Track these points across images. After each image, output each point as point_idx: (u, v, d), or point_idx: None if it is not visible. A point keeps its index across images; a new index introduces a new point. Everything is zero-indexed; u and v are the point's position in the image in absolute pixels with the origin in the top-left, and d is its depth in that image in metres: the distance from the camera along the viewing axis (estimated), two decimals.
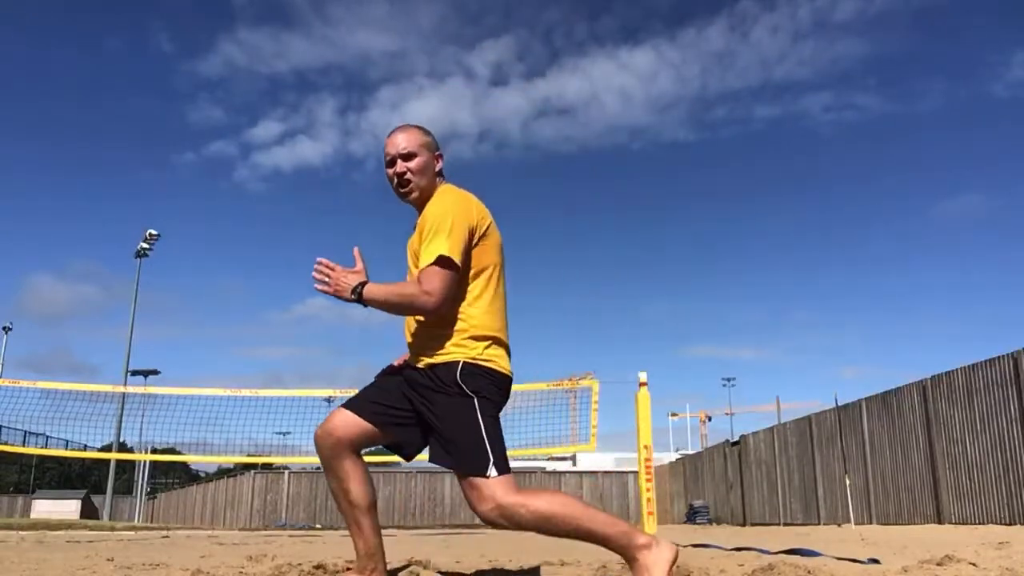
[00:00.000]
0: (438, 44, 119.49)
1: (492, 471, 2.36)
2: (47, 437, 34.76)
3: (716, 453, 23.89)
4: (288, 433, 17.48)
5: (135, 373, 37.71)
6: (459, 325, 2.52)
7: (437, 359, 2.49)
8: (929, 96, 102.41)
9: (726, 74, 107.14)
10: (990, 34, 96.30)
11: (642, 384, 12.13)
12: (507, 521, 2.34)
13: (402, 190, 2.68)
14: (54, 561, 4.39)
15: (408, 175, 2.65)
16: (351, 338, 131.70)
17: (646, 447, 12.03)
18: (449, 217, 2.49)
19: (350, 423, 2.60)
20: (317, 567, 3.20)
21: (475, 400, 2.44)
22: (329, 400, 17.71)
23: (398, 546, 6.91)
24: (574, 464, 42.81)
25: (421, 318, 2.55)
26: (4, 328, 48.19)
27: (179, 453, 28.78)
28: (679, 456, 32.80)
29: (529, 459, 35.63)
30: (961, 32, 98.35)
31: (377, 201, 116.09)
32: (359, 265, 2.59)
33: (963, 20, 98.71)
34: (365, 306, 2.48)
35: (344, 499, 2.62)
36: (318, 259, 2.52)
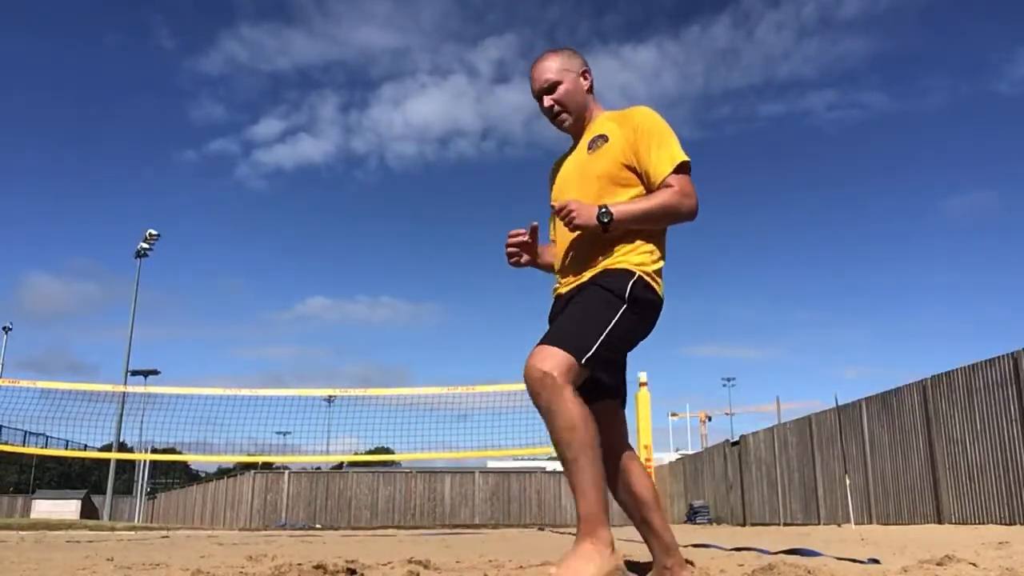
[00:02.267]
0: (440, 41, 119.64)
1: (573, 351, 2.17)
2: (47, 437, 34.78)
3: (716, 453, 23.89)
4: (288, 433, 17.50)
5: (135, 373, 37.69)
6: (639, 241, 2.40)
7: (611, 264, 2.37)
8: (934, 94, 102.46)
9: (730, 72, 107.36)
10: (995, 32, 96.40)
11: (642, 384, 12.13)
12: (539, 394, 2.14)
13: (556, 122, 2.60)
14: (54, 561, 4.39)
15: (556, 107, 2.57)
16: (351, 338, 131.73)
17: (646, 447, 12.03)
18: (666, 127, 2.43)
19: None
20: (317, 567, 3.20)
21: (624, 306, 2.30)
22: (329, 400, 17.70)
23: (398, 546, 6.91)
24: None
25: (600, 237, 2.39)
26: (4, 328, 48.20)
27: (179, 453, 28.79)
28: (679, 456, 32.82)
29: (529, 459, 35.63)
30: (966, 30, 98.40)
31: (379, 200, 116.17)
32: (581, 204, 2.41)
33: (968, 18, 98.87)
34: (607, 230, 2.33)
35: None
36: (558, 204, 2.36)
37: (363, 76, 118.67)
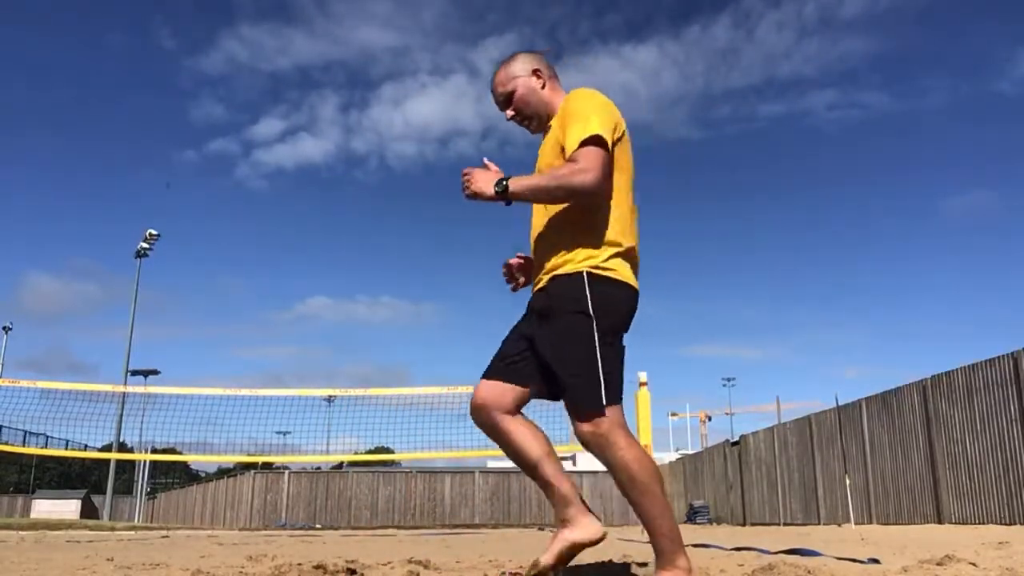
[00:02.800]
0: (441, 41, 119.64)
1: (603, 401, 2.27)
2: (47, 437, 34.78)
3: (716, 453, 23.90)
4: (288, 433, 17.51)
5: (135, 373, 37.71)
6: (587, 228, 2.38)
7: (561, 269, 2.38)
8: (934, 94, 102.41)
9: (731, 71, 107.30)
10: (995, 31, 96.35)
11: (642, 384, 12.13)
12: (599, 451, 2.29)
13: (522, 125, 2.64)
14: (54, 561, 4.39)
15: (516, 117, 2.61)
16: (351, 338, 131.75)
17: (646, 447, 12.03)
18: (590, 106, 2.38)
19: (494, 392, 2.48)
20: (317, 567, 3.20)
21: (594, 322, 2.31)
22: (329, 400, 17.70)
23: (398, 546, 6.91)
24: (574, 464, 42.79)
25: (551, 220, 2.44)
26: (4, 328, 48.21)
27: (179, 453, 28.79)
28: (679, 456, 32.82)
29: None
30: (966, 29, 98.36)
31: (379, 200, 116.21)
32: (491, 168, 2.47)
33: (968, 17, 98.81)
34: (509, 203, 2.37)
35: (524, 456, 2.46)
36: (463, 170, 2.44)
37: (363, 76, 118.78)
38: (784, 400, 72.76)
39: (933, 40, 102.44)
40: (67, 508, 48.96)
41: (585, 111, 2.37)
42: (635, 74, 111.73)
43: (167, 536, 11.25)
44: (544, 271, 2.45)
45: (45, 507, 48.93)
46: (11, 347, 75.97)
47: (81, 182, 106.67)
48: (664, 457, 33.86)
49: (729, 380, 70.07)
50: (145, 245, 37.25)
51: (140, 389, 16.94)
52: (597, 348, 2.31)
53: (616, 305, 2.37)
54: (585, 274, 2.35)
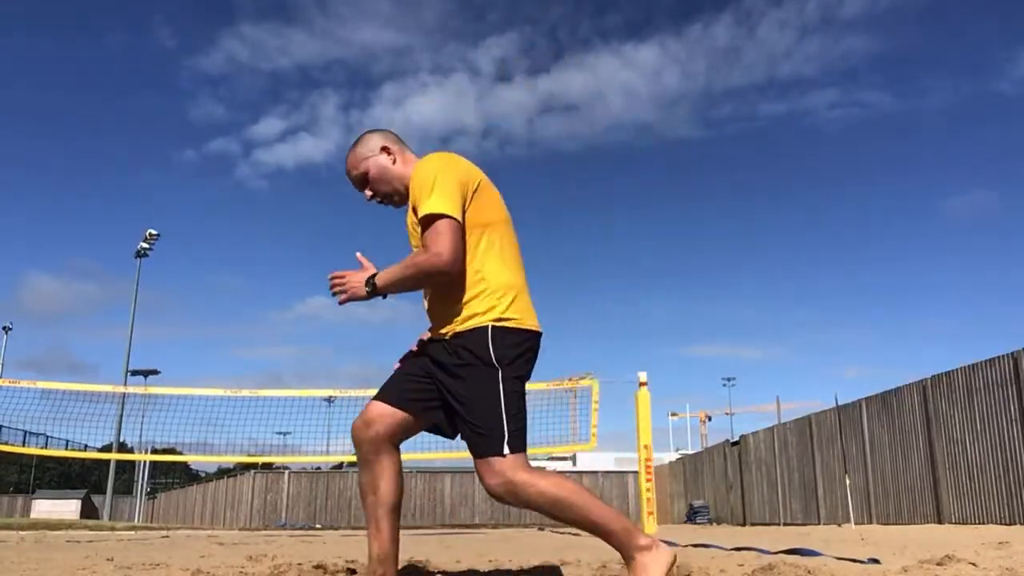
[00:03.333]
0: (442, 40, 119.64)
1: (505, 449, 2.32)
2: (47, 437, 34.75)
3: (716, 453, 23.90)
4: (288, 433, 17.50)
5: (135, 373, 37.72)
6: (476, 283, 2.44)
7: (462, 326, 2.42)
8: (935, 93, 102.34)
9: (732, 70, 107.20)
10: (997, 31, 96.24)
11: (642, 384, 12.14)
12: (514, 498, 2.33)
13: (383, 204, 2.68)
14: (54, 561, 4.39)
15: (376, 195, 2.66)
16: (352, 337, 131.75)
17: (646, 447, 12.04)
18: (431, 177, 2.42)
19: (386, 414, 2.52)
20: (317, 567, 3.20)
21: (499, 372, 2.37)
22: (329, 400, 17.70)
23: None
24: (574, 464, 42.84)
25: (437, 288, 2.50)
26: (4, 328, 48.20)
27: (179, 453, 28.79)
28: (679, 456, 32.81)
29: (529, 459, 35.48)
30: (967, 29, 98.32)
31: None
32: (366, 264, 2.56)
33: (969, 16, 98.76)
34: (385, 296, 2.47)
35: (371, 494, 2.53)
36: (329, 274, 2.52)
37: (364, 75, 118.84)
38: (784, 400, 72.79)
39: (934, 40, 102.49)
40: (67, 508, 48.97)
41: (425, 186, 2.42)
42: (636, 73, 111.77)
43: (167, 536, 11.24)
44: (444, 325, 2.48)
45: (45, 507, 48.94)
46: (11, 347, 75.94)
47: (81, 182, 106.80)
48: (664, 457, 33.84)
49: (729, 380, 70.13)
50: (145, 245, 37.24)
51: (140, 389, 16.93)
52: (502, 399, 2.36)
53: (520, 352, 2.43)
54: (490, 328, 2.40)
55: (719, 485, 23.03)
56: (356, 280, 2.49)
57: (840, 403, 16.30)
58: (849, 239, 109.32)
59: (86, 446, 29.53)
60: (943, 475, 12.96)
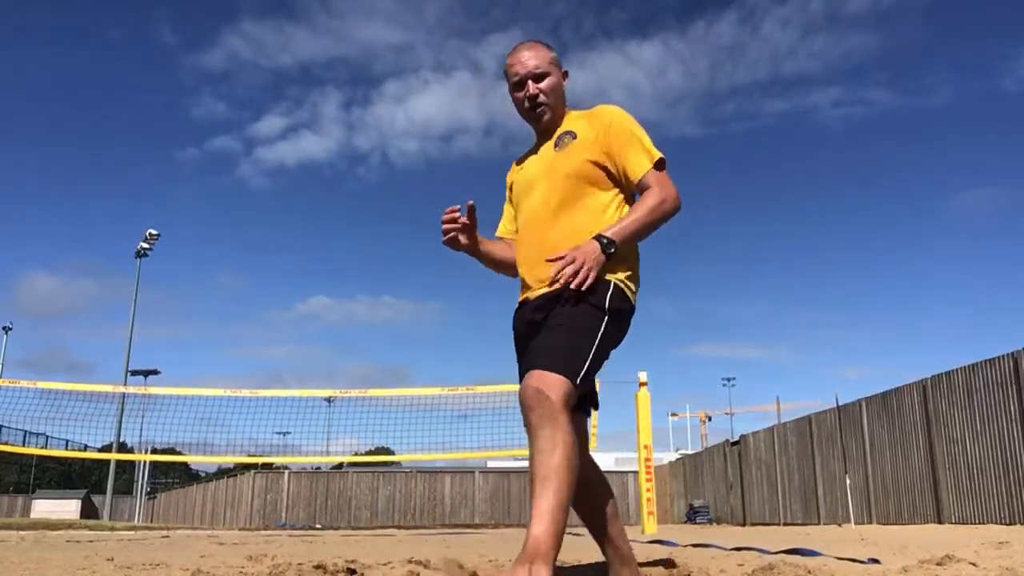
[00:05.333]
0: (444, 38, 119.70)
1: (576, 379, 2.14)
2: (47, 437, 34.81)
3: (716, 453, 23.89)
4: (288, 433, 17.51)
5: (135, 373, 37.72)
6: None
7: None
8: (940, 91, 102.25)
9: (736, 68, 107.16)
10: (1002, 28, 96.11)
11: (642, 384, 12.14)
12: (530, 412, 2.08)
13: (535, 112, 2.52)
14: (54, 561, 4.39)
15: (541, 97, 2.50)
16: (352, 337, 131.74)
17: (646, 447, 12.04)
18: (639, 126, 2.43)
19: None
20: (317, 567, 3.20)
21: (606, 317, 2.28)
22: (329, 400, 17.70)
23: (398, 546, 6.91)
24: None
25: (565, 240, 2.35)
26: (4, 328, 48.19)
27: (179, 453, 28.79)
28: (679, 456, 32.81)
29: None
30: (973, 25, 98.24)
31: (381, 197, 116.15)
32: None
33: (975, 13, 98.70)
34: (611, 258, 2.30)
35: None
36: (558, 265, 2.24)
37: (366, 73, 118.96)
38: (784, 400, 72.79)
39: (938, 37, 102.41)
40: (67, 508, 48.91)
41: (637, 132, 2.42)
42: (640, 71, 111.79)
43: (167, 536, 11.24)
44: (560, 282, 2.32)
45: (45, 507, 48.88)
46: (10, 346, 75.95)
47: (81, 181, 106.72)
48: (664, 457, 33.84)
49: (729, 380, 70.20)
50: (145, 245, 37.23)
51: (140, 389, 16.94)
52: (597, 339, 2.25)
53: (624, 317, 2.38)
54: (613, 284, 2.34)
55: (719, 485, 23.03)
56: (584, 251, 2.25)
57: (840, 403, 16.31)
58: (850, 239, 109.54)
59: (86, 446, 29.56)
60: (943, 475, 12.96)
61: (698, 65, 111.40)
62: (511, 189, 2.67)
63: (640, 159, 2.39)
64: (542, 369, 2.14)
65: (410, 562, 3.63)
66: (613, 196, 2.45)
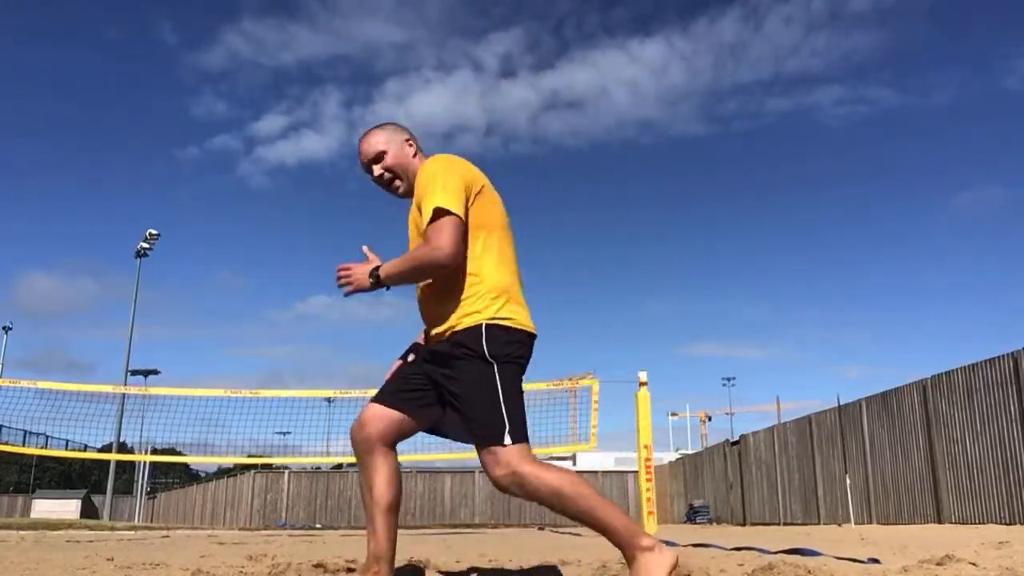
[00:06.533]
0: (446, 36, 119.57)
1: (507, 439, 2.36)
2: (47, 437, 34.79)
3: (716, 453, 23.90)
4: (288, 433, 17.51)
5: (135, 373, 37.73)
6: (472, 284, 2.50)
7: (458, 324, 2.48)
8: (942, 89, 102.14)
9: (738, 66, 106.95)
10: (1004, 26, 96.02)
11: (642, 384, 12.13)
12: (519, 489, 2.35)
13: (389, 189, 2.74)
14: (54, 561, 4.39)
15: (386, 174, 2.71)
16: (352, 337, 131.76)
17: (646, 447, 12.04)
18: (439, 176, 2.50)
19: (381, 415, 2.58)
20: (317, 566, 3.21)
21: (495, 367, 2.43)
22: (329, 400, 17.70)
23: (398, 546, 6.91)
24: (574, 464, 42.86)
25: (431, 287, 2.57)
26: (4, 328, 48.20)
27: (179, 453, 28.81)
28: (679, 456, 32.82)
29: None
30: (975, 24, 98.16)
31: (382, 196, 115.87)
32: (371, 257, 2.64)
33: (977, 11, 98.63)
34: (388, 288, 2.55)
35: (368, 494, 2.59)
36: (337, 266, 2.58)
37: (367, 71, 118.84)
38: (784, 400, 72.83)
39: (941, 35, 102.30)
40: (67, 508, 48.92)
41: (432, 183, 2.50)
42: (642, 69, 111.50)
43: (167, 536, 11.24)
44: (439, 324, 2.54)
45: (45, 507, 48.89)
46: (10, 346, 75.95)
47: (81, 180, 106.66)
48: (664, 457, 33.85)
49: (729, 380, 70.22)
50: (145, 245, 37.23)
51: (140, 389, 16.94)
52: (500, 392, 2.41)
53: (514, 350, 2.49)
54: (484, 326, 2.46)
55: (719, 485, 23.03)
56: (360, 272, 2.55)
57: (840, 403, 16.31)
58: (850, 238, 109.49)
59: (86, 446, 29.56)
60: (943, 475, 12.96)
61: (700, 63, 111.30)
62: None
63: (425, 211, 2.49)
64: (489, 447, 2.37)
65: (410, 562, 3.63)
66: (478, 240, 2.56)
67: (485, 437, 2.39)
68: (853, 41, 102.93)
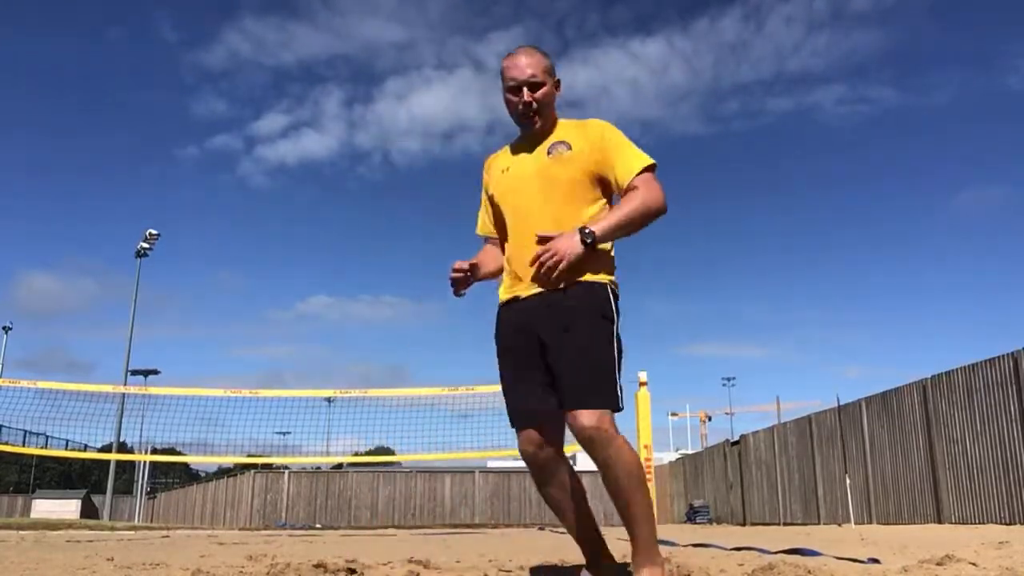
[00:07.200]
0: (447, 35, 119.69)
1: (620, 403, 2.36)
2: (47, 437, 34.80)
3: (716, 453, 23.90)
4: (288, 433, 17.52)
5: (135, 373, 37.71)
6: (602, 247, 2.44)
7: (589, 277, 2.41)
8: (942, 89, 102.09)
9: (739, 66, 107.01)
10: (1005, 25, 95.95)
11: (642, 384, 12.13)
12: (601, 446, 2.28)
13: (526, 120, 2.58)
14: (54, 561, 4.39)
15: (535, 105, 2.54)
16: (352, 337, 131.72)
17: (646, 447, 12.04)
18: (626, 137, 2.54)
19: (548, 427, 2.47)
20: (317, 566, 3.21)
21: (614, 327, 2.41)
22: (329, 400, 17.69)
23: (398, 546, 6.91)
24: (574, 464, 42.84)
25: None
26: (4, 328, 48.18)
27: (179, 453, 28.81)
28: (679, 456, 32.81)
29: None
30: (977, 23, 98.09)
31: (383, 196, 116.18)
32: (554, 231, 2.46)
33: (978, 11, 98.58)
34: (596, 248, 2.39)
35: (565, 501, 2.59)
36: (534, 254, 2.38)
37: (368, 70, 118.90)
38: (784, 400, 72.79)
39: (943, 34, 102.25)
40: (67, 508, 48.88)
41: (624, 140, 2.54)
42: (643, 68, 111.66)
43: (167, 536, 11.24)
44: (561, 280, 2.42)
45: (45, 507, 48.85)
46: (10, 346, 75.97)
47: (81, 179, 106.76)
48: (664, 457, 33.84)
49: (729, 380, 70.20)
50: (145, 245, 37.20)
51: (140, 389, 16.95)
52: (615, 354, 2.41)
53: (620, 322, 2.49)
54: (609, 285, 2.46)
55: (719, 485, 23.03)
56: (566, 244, 2.36)
57: (840, 403, 16.31)
58: (850, 238, 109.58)
59: (86, 446, 29.55)
60: (943, 475, 12.96)
61: (701, 63, 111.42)
62: (491, 187, 2.69)
63: (630, 162, 2.48)
64: (593, 408, 2.30)
65: (410, 562, 3.63)
66: (603, 205, 2.54)
67: (594, 398, 2.30)
68: (854, 40, 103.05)
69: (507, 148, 2.73)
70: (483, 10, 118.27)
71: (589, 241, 2.36)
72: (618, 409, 2.35)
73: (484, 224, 2.80)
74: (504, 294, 2.57)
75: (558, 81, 2.62)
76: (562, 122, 2.64)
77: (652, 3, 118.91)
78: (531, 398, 2.45)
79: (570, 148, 2.53)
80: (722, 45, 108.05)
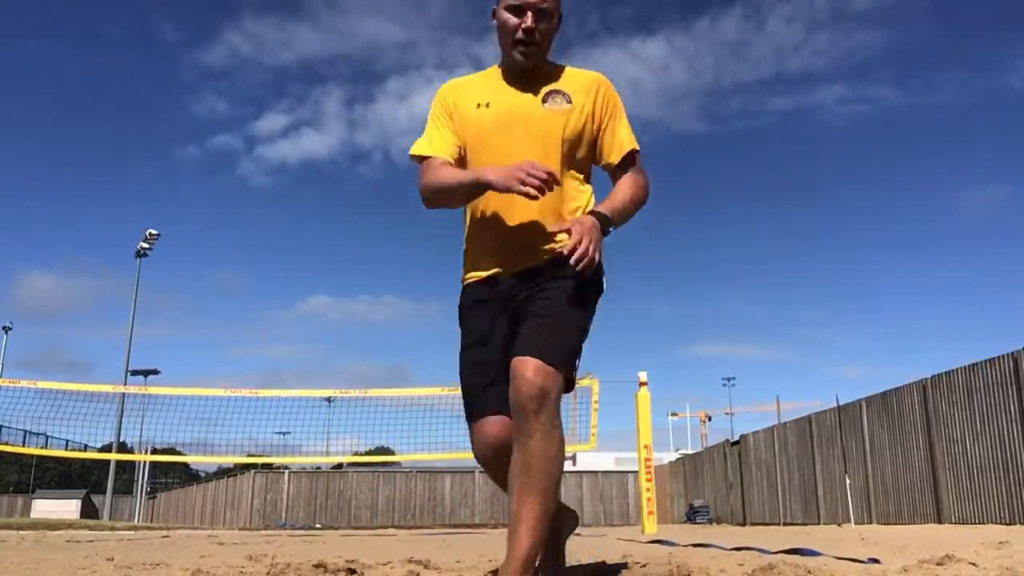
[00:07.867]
0: (447, 34, 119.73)
1: (572, 371, 2.16)
2: (47, 437, 34.78)
3: (716, 453, 23.90)
4: (288, 433, 17.52)
5: (135, 373, 37.72)
6: (590, 208, 2.28)
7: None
8: (944, 89, 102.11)
9: (740, 65, 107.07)
10: (1007, 25, 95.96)
11: (642, 384, 12.14)
12: (535, 410, 2.02)
13: (524, 49, 2.27)
14: (54, 561, 4.39)
15: (537, 36, 2.26)
16: (353, 337, 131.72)
17: (646, 447, 12.05)
18: (622, 103, 2.41)
19: (504, 423, 2.20)
20: (317, 566, 3.20)
21: (596, 299, 2.28)
22: (329, 400, 17.69)
23: (398, 546, 6.91)
24: (574, 464, 42.81)
25: (545, 209, 2.21)
26: (4, 328, 48.18)
27: (179, 453, 28.81)
28: (679, 456, 32.81)
29: None
30: (978, 22, 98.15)
31: (383, 195, 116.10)
32: (570, 220, 2.17)
33: (979, 10, 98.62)
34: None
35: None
36: (570, 246, 2.04)
37: (368, 70, 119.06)
38: (784, 400, 72.84)
39: (944, 34, 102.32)
40: (67, 508, 48.90)
41: (624, 112, 2.41)
42: (643, 68, 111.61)
43: (167, 536, 11.24)
44: (547, 242, 2.23)
45: (45, 507, 48.87)
46: (10, 346, 75.95)
47: (81, 179, 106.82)
48: (664, 457, 33.83)
49: (729, 380, 70.17)
50: (145, 245, 37.20)
51: (140, 389, 16.95)
52: (587, 321, 2.26)
53: (600, 293, 2.37)
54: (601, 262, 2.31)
55: (719, 485, 23.04)
56: (589, 228, 2.09)
57: (840, 403, 16.31)
58: (850, 238, 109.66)
59: (86, 446, 29.53)
60: (943, 475, 12.96)
61: (702, 62, 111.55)
62: (462, 121, 2.36)
63: (628, 137, 2.35)
64: (546, 362, 2.06)
65: (410, 562, 3.63)
66: (589, 167, 2.39)
67: (552, 350, 2.07)
68: (855, 40, 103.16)
69: (476, 78, 2.41)
70: (483, 10, 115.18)
71: (610, 229, 2.20)
72: (571, 384, 2.16)
73: (445, 146, 2.37)
74: (481, 270, 2.31)
75: (561, 16, 2.36)
76: (555, 66, 2.38)
77: (652, 3, 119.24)
78: (494, 384, 2.25)
79: (570, 102, 2.29)
80: (723, 45, 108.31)
